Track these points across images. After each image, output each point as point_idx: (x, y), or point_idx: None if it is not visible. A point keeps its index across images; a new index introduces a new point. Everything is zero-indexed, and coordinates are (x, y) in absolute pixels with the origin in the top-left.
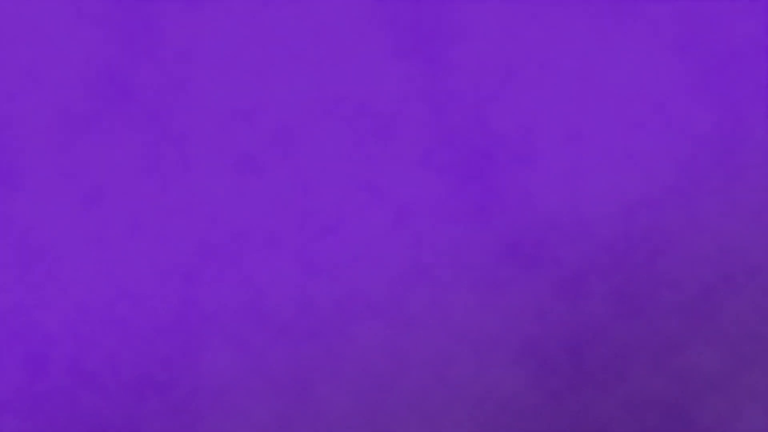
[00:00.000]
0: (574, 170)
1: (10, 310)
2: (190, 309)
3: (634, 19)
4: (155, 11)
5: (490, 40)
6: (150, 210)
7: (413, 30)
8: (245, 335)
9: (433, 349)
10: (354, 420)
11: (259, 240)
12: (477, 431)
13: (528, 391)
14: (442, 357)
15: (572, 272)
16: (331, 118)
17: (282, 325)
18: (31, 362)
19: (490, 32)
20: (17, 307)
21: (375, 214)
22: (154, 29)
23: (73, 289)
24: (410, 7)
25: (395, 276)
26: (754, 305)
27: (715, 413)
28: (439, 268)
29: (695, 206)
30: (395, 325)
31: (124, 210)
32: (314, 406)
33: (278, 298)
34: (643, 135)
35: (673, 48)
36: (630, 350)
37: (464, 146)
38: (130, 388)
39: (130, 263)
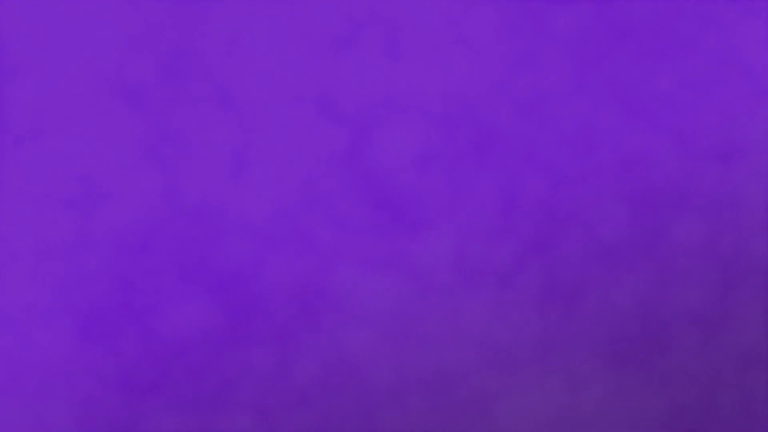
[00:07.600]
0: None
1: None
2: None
3: (635, 16)
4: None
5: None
6: (150, 209)
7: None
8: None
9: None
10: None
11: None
12: None
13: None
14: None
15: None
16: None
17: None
18: (35, 356)
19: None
20: (24, 306)
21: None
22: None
23: (77, 287)
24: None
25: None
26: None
27: None
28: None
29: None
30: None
31: (126, 208)
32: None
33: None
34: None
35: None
36: None
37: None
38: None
39: (129, 260)
